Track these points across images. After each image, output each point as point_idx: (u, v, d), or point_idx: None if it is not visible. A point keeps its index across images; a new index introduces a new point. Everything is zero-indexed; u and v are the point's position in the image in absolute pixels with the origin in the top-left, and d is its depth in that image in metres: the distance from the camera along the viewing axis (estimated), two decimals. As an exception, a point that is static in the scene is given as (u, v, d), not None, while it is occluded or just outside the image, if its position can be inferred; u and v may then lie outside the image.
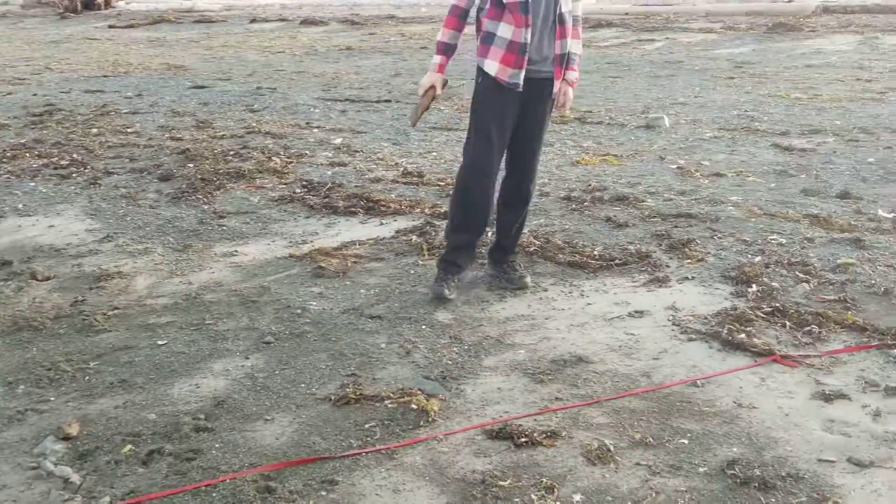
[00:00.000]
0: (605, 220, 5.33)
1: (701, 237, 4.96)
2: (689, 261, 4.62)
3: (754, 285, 4.22)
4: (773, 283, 4.27)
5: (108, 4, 25.13)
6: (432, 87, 4.11)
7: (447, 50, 4.10)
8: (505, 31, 3.93)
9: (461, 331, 3.87)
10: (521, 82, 3.96)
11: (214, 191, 6.09)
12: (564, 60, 4.05)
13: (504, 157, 4.26)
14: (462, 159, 4.28)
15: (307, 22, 20.11)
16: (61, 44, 17.05)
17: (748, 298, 4.11)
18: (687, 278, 4.41)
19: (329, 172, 6.59)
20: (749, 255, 4.67)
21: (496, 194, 4.34)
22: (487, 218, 4.37)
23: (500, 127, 4.09)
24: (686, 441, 2.95)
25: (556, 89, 4.09)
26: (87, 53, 15.08)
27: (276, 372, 3.49)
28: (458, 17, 4.07)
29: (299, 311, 4.10)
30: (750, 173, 6.33)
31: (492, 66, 3.98)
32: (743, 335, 3.68)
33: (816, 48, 13.23)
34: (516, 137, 4.18)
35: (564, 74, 4.09)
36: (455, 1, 4.05)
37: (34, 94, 10.33)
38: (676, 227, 5.16)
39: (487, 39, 4.00)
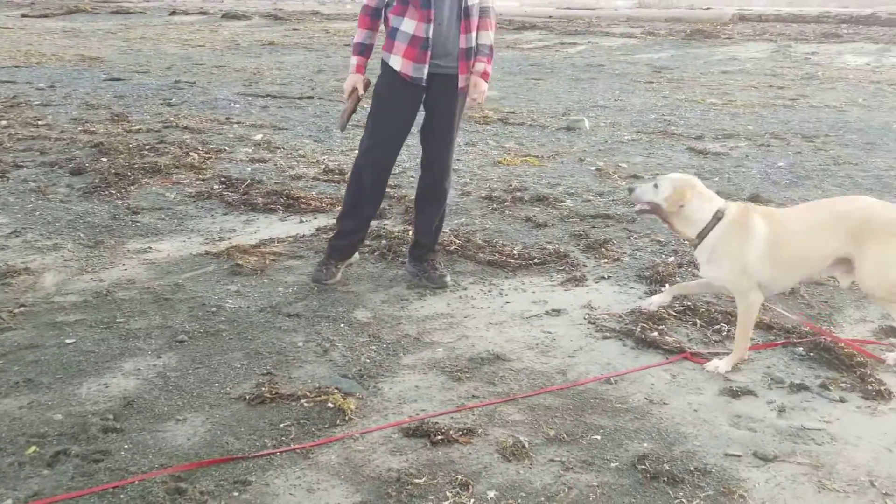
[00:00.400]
0: (525, 219, 5.38)
1: (617, 237, 5.06)
2: (606, 260, 4.71)
3: (667, 285, 4.32)
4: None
5: (20, -8, 24.24)
6: (355, 88, 4.12)
7: (363, 50, 4.11)
8: (408, 25, 3.95)
9: (380, 329, 3.85)
10: (424, 77, 3.99)
11: (129, 186, 5.93)
12: (472, 54, 4.05)
13: (420, 157, 4.28)
14: (359, 148, 4.30)
15: (229, 16, 19.84)
16: (-31, 32, 16.38)
17: (661, 297, 4.20)
18: (603, 278, 4.49)
19: (248, 169, 6.50)
20: (663, 256, 4.79)
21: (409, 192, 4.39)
22: (376, 209, 4.45)
23: (397, 120, 4.13)
24: (599, 437, 3.00)
25: (461, 84, 4.09)
26: (-4, 42, 14.52)
27: (190, 371, 3.42)
28: (370, 17, 4.08)
29: (215, 309, 4.02)
30: (666, 176, 6.48)
31: (396, 61, 4.01)
32: (655, 333, 3.76)
33: (732, 55, 13.66)
34: (426, 134, 4.22)
35: (473, 66, 4.07)
36: (366, 0, 4.06)
37: (-61, 84, 9.91)
38: (594, 227, 5.25)
39: (392, 34, 4.03)
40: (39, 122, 7.90)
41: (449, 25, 3.95)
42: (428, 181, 4.33)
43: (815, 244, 3.42)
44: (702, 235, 3.45)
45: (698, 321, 3.93)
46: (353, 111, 4.22)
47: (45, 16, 19.95)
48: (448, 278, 4.37)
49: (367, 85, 4.16)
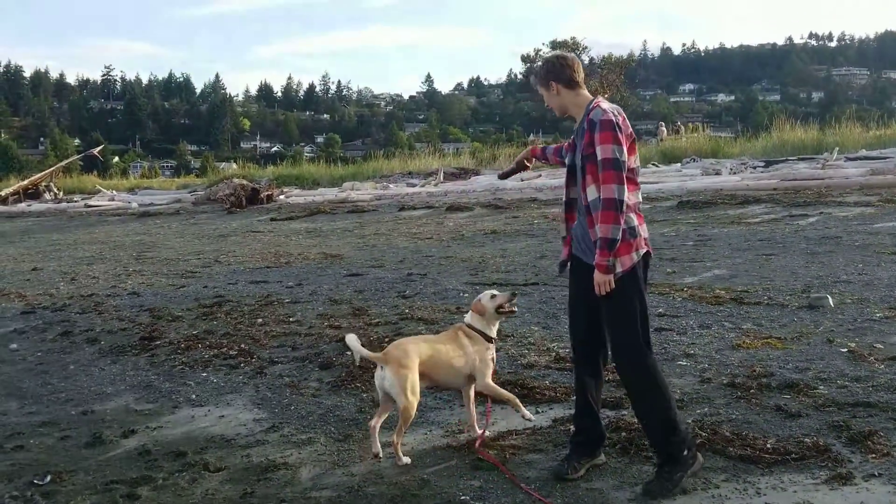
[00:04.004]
0: (775, 408, 5.05)
1: (884, 429, 4.60)
2: (874, 455, 4.27)
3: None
4: (977, 483, 3.86)
5: (270, 199, 27.26)
6: (524, 158, 4.86)
7: (547, 147, 4.89)
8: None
9: (630, 532, 3.67)
10: (567, 264, 4.49)
11: (372, 379, 6.20)
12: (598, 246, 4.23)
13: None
14: None
15: (453, 208, 21.00)
16: (228, 237, 18.42)
17: (950, 501, 3.72)
18: (874, 475, 4.07)
19: (482, 359, 6.61)
20: (942, 450, 4.27)
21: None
22: (585, 396, 4.44)
23: (571, 304, 4.54)
24: None
25: None
26: (251, 246, 16.19)
27: (440, 574, 3.39)
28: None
29: (460, 507, 4.02)
30: (931, 357, 5.90)
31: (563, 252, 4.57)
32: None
33: None
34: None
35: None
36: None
37: (204, 287, 11.09)
38: (855, 417, 4.82)
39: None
40: (290, 319, 8.57)
41: (584, 222, 4.29)
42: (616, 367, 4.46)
43: None
44: None
45: None
46: (515, 172, 5.05)
47: (291, 218, 22.12)
48: (655, 488, 4.07)
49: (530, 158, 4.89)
